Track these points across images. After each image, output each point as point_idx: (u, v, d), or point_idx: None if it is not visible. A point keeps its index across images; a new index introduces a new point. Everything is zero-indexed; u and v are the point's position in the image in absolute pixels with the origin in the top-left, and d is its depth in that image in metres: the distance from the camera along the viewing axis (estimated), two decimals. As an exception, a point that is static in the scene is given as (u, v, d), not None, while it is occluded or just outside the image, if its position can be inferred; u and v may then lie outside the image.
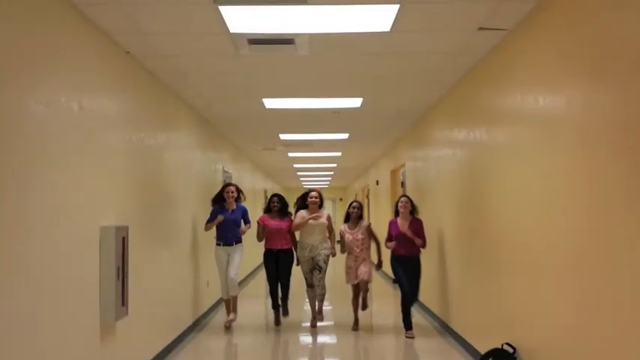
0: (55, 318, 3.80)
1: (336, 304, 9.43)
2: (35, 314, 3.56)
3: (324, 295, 7.72)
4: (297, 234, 7.97)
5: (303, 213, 7.80)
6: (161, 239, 6.36)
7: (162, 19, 4.56)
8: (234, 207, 7.82)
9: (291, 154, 14.11)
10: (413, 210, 7.57)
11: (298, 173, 20.41)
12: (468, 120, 6.30)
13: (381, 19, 4.57)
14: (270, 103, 7.69)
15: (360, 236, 7.71)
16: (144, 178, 5.75)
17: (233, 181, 11.41)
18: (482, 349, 5.27)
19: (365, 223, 7.89)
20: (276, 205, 7.90)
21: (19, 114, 3.44)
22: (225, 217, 7.65)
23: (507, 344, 4.85)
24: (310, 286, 7.79)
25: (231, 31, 4.77)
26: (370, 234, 7.78)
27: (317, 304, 7.77)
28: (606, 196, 3.35)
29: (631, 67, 3.07)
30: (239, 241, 7.79)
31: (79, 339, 4.18)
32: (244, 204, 8.16)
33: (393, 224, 7.59)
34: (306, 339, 7.48)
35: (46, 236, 3.70)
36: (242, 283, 11.73)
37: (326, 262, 7.70)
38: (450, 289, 7.19)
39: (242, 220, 7.91)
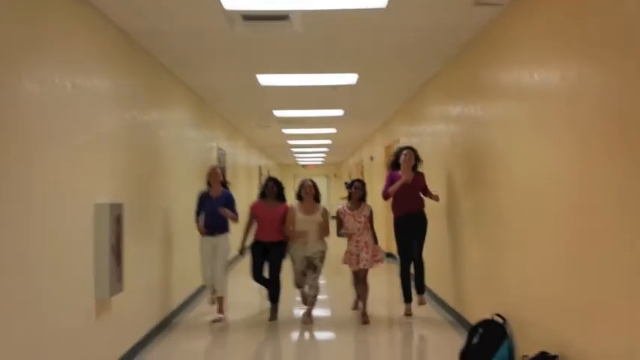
0: (50, 294, 3.82)
1: (333, 293, 9.01)
2: (31, 291, 3.58)
3: (316, 297, 6.89)
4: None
5: (295, 208, 6.97)
6: (156, 216, 6.37)
7: (154, -5, 4.52)
8: (220, 193, 6.99)
9: (285, 131, 14.08)
10: (416, 164, 6.94)
11: (293, 150, 20.40)
12: (464, 95, 6.29)
13: (375, -5, 4.54)
14: (264, 79, 7.65)
15: (362, 219, 6.87)
16: (138, 156, 5.74)
17: (227, 159, 11.43)
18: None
19: (368, 206, 7.02)
20: (273, 191, 7.09)
21: (15, 94, 3.42)
22: (209, 205, 6.91)
23: (497, 315, 4.91)
24: (298, 286, 7.09)
25: (225, 8, 4.73)
26: (370, 222, 6.91)
27: (307, 306, 6.90)
28: (597, 170, 3.38)
29: (625, 43, 3.07)
30: (224, 230, 6.99)
31: (74, 315, 4.21)
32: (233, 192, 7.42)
33: (393, 175, 6.96)
34: (298, 333, 6.55)
35: (42, 214, 3.71)
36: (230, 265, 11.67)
37: (322, 261, 6.90)
38: (448, 266, 7.23)
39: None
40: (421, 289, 7.10)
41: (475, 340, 4.88)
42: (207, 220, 6.89)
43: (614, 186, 3.21)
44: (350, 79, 7.72)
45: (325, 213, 6.99)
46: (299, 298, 7.38)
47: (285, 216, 6.96)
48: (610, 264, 3.27)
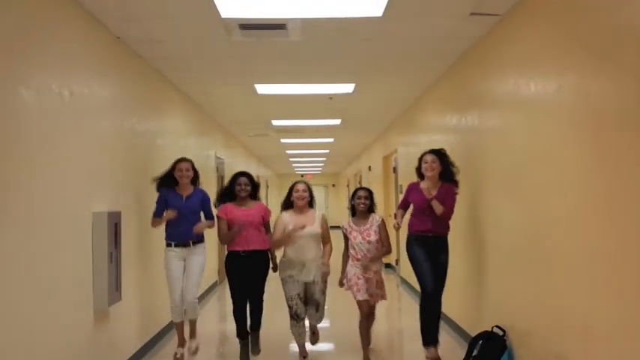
0: (48, 303, 3.81)
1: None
2: (28, 300, 3.56)
3: (321, 318, 5.56)
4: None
5: (285, 218, 5.39)
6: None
7: (152, 4, 4.53)
8: (191, 191, 5.59)
9: (283, 141, 14.10)
10: (446, 172, 5.38)
11: (291, 159, 20.41)
12: (461, 105, 6.31)
13: (373, 4, 4.56)
14: (262, 88, 7.67)
15: (373, 237, 5.37)
16: (136, 164, 5.74)
17: (225, 168, 11.40)
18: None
19: (377, 217, 5.54)
20: (245, 189, 5.49)
21: (11, 101, 3.43)
22: (178, 207, 5.46)
23: (497, 327, 4.90)
24: (296, 317, 5.35)
25: (222, 16, 4.75)
26: (382, 233, 5.46)
27: (311, 324, 5.58)
28: (591, 181, 3.39)
29: (622, 53, 3.09)
30: (199, 239, 5.56)
31: (72, 324, 4.19)
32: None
33: (413, 189, 5.48)
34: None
35: (39, 223, 3.70)
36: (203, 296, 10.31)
37: (324, 292, 5.39)
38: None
39: (202, 212, 5.67)
40: (433, 338, 5.34)
41: (475, 352, 4.87)
42: (175, 226, 5.46)
43: (616, 197, 3.21)
44: (347, 88, 7.74)
45: (324, 220, 5.49)
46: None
47: (264, 217, 5.51)
48: (610, 278, 3.26)
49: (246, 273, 5.36)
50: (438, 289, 5.30)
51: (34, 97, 3.68)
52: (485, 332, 4.99)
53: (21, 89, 3.53)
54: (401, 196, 10.23)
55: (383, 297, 5.51)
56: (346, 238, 5.52)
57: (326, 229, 5.45)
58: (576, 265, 3.64)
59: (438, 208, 5.16)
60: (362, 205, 5.49)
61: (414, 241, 5.40)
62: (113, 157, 5.09)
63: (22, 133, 3.54)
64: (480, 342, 4.92)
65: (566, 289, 3.78)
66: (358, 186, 5.97)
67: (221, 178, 10.82)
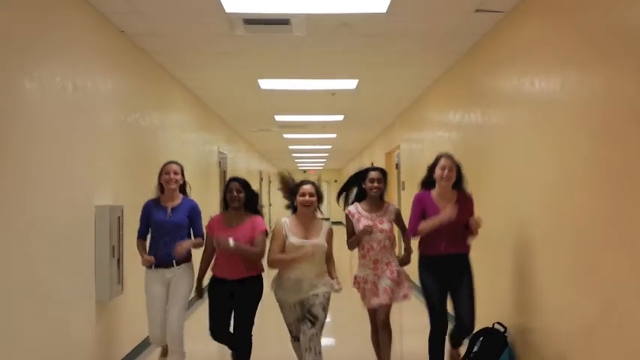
0: (50, 296, 3.82)
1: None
2: (31, 293, 3.58)
3: (316, 342, 4.29)
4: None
5: (286, 226, 4.38)
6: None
7: (157, -2, 4.54)
8: (179, 201, 4.65)
9: (286, 136, 14.10)
10: (459, 180, 4.48)
11: (293, 155, 20.44)
12: (464, 102, 6.30)
13: (377, 0, 4.56)
14: (265, 84, 7.67)
15: (386, 225, 4.55)
16: (139, 158, 5.75)
17: (228, 163, 11.38)
18: None
19: (393, 205, 4.76)
20: (238, 197, 4.42)
21: (15, 94, 3.43)
22: (162, 220, 4.56)
23: (498, 323, 4.91)
24: (298, 340, 4.42)
25: (226, 11, 4.75)
26: (399, 223, 4.72)
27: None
28: (594, 179, 3.38)
29: (624, 50, 3.08)
30: (184, 259, 4.60)
31: (74, 317, 4.21)
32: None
33: (424, 199, 4.46)
34: None
35: (41, 216, 3.71)
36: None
37: (325, 309, 4.36)
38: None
39: (190, 227, 4.68)
40: (457, 342, 4.77)
41: (476, 348, 4.87)
42: (157, 244, 4.58)
43: (623, 196, 3.21)
44: (350, 84, 7.74)
45: (330, 235, 4.49)
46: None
47: (255, 235, 4.41)
48: (615, 276, 3.26)
49: (230, 304, 4.43)
50: (472, 315, 4.43)
51: (37, 90, 3.69)
52: (486, 328, 4.99)
53: (24, 81, 3.54)
54: (403, 193, 10.25)
55: (406, 296, 4.57)
56: (350, 226, 4.63)
57: (331, 243, 4.50)
58: (579, 265, 3.64)
59: (474, 234, 4.40)
60: (375, 190, 4.55)
61: (425, 266, 4.49)
62: (116, 151, 5.10)
63: (25, 125, 3.55)
64: (481, 338, 4.92)
65: (570, 287, 3.78)
66: (371, 166, 4.94)
67: (223, 173, 10.84)
